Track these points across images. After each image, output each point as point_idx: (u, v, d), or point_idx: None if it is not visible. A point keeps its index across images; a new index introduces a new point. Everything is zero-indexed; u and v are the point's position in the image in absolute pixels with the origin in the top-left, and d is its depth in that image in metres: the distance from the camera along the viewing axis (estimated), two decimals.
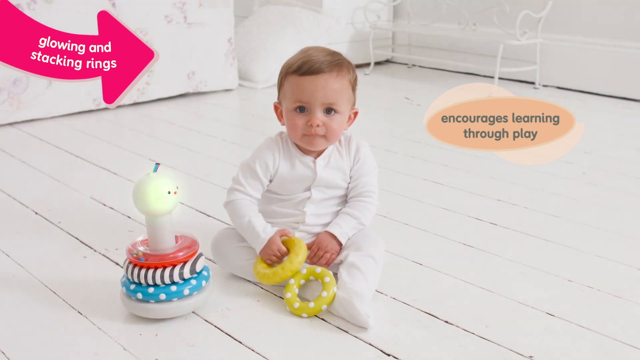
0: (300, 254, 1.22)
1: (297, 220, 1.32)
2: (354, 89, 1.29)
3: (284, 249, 1.24)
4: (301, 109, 1.25)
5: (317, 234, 1.31)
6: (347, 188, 1.34)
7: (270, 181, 1.31)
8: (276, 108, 1.35)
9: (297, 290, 1.21)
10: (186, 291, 1.15)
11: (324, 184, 1.31)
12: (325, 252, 1.26)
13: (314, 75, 1.22)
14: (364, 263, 1.22)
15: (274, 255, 1.24)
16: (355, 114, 1.32)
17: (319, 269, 1.21)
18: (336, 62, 1.25)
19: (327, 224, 1.31)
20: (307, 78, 1.23)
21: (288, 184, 1.31)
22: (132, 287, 1.15)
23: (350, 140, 1.33)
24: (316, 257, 1.26)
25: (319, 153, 1.31)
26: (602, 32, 3.02)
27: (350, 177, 1.33)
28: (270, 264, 1.25)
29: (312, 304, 1.16)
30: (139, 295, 1.14)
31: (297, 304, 1.17)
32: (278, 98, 1.33)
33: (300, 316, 1.17)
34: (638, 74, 2.91)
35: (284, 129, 1.33)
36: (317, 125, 1.23)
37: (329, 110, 1.25)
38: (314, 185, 1.30)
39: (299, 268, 1.21)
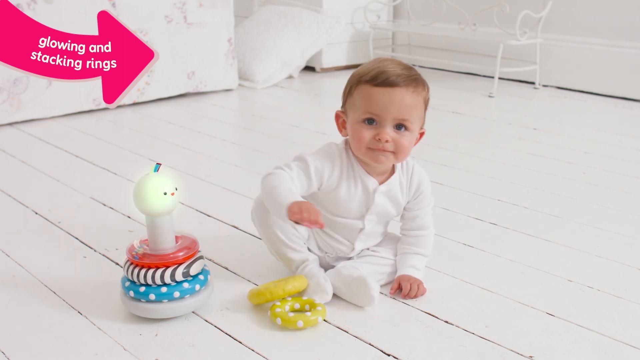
0: (298, 281, 1.20)
1: (344, 251, 1.30)
2: (426, 108, 1.22)
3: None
4: (370, 121, 1.17)
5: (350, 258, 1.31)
6: (398, 214, 1.30)
7: (318, 189, 1.23)
8: (338, 117, 1.26)
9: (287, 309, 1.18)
10: (176, 294, 1.14)
11: (377, 211, 1.26)
12: (416, 284, 1.23)
13: (389, 87, 1.15)
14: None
15: (307, 210, 1.08)
16: (422, 134, 1.24)
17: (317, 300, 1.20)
18: (413, 77, 1.17)
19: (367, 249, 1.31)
20: (382, 90, 1.15)
21: (343, 203, 1.24)
22: (127, 284, 1.16)
23: (412, 173, 1.27)
24: (412, 292, 1.23)
25: (384, 179, 1.25)
26: (602, 32, 3.02)
27: (406, 208, 1.29)
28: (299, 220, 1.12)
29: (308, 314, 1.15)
30: (131, 293, 1.15)
31: (291, 314, 1.15)
32: (342, 107, 1.25)
33: (296, 326, 1.14)
34: (638, 74, 2.91)
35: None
36: (386, 141, 1.16)
37: (399, 126, 1.17)
38: (368, 213, 1.25)
39: (291, 292, 1.18)
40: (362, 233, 1.27)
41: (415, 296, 1.23)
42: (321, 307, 1.17)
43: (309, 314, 1.15)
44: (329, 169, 1.21)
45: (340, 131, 1.26)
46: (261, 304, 1.21)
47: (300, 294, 1.22)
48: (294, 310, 1.19)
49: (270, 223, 1.27)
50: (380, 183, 1.24)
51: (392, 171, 1.25)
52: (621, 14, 2.96)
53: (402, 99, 1.15)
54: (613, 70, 2.99)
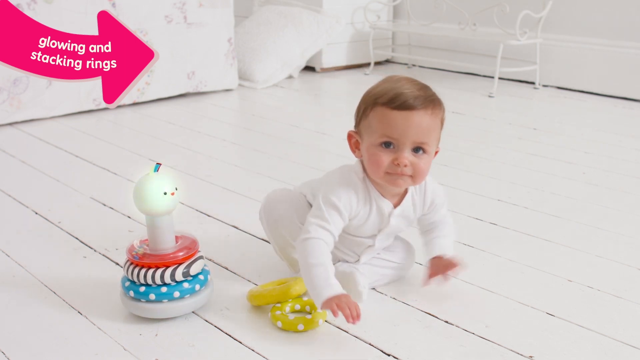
0: (299, 285, 1.19)
1: (349, 261, 1.28)
2: (442, 127, 1.18)
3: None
4: (387, 145, 1.12)
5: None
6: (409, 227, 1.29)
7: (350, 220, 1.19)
8: (350, 137, 1.20)
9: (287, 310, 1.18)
10: (176, 294, 1.14)
11: (389, 231, 1.24)
12: (451, 263, 1.22)
13: (407, 110, 1.10)
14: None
15: (347, 304, 1.06)
16: (436, 152, 1.20)
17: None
18: (431, 99, 1.13)
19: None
20: (400, 113, 1.11)
21: (356, 226, 1.21)
22: (127, 284, 1.16)
23: (425, 190, 1.24)
24: (451, 265, 1.22)
25: (399, 201, 1.21)
26: (602, 32, 3.02)
27: (420, 219, 1.28)
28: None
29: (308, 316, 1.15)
30: (131, 293, 1.15)
31: (292, 316, 1.16)
32: (356, 127, 1.19)
33: (297, 329, 1.13)
34: (638, 74, 2.91)
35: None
36: (405, 165, 1.12)
37: (417, 149, 1.13)
38: (380, 233, 1.23)
39: (292, 296, 1.18)
40: (370, 248, 1.26)
41: (456, 272, 1.23)
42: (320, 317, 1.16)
43: (309, 315, 1.14)
44: (355, 201, 1.17)
45: (354, 152, 1.20)
46: (261, 305, 1.21)
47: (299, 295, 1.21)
48: (294, 312, 1.19)
49: (278, 224, 1.27)
50: (395, 205, 1.21)
51: (405, 191, 1.22)
52: (621, 14, 2.96)
53: (420, 122, 1.11)
54: (613, 70, 2.99)
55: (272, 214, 1.27)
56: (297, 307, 1.19)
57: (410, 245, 1.34)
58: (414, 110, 1.10)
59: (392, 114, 1.11)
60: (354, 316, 1.05)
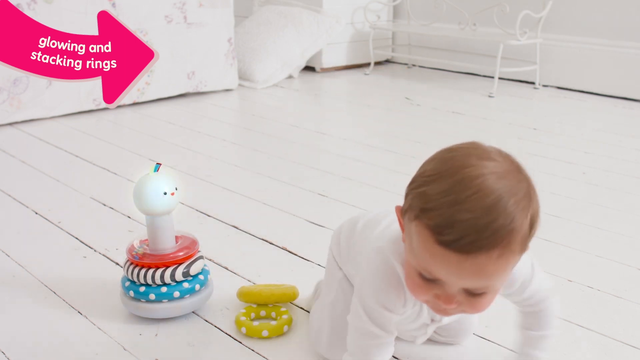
0: (290, 290, 1.19)
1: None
2: (532, 234, 0.77)
3: None
4: (429, 279, 0.79)
5: None
6: None
7: None
8: (398, 210, 0.83)
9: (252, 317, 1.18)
10: (176, 294, 1.14)
11: (444, 326, 1.03)
12: None
13: (464, 254, 0.72)
14: None
15: None
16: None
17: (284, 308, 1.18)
18: (507, 232, 0.72)
19: None
20: (453, 255, 0.73)
21: (400, 325, 0.94)
22: (127, 284, 1.16)
23: (512, 282, 0.89)
24: None
25: None
26: (602, 32, 3.02)
27: (505, 296, 0.94)
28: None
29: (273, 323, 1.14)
30: (131, 293, 1.15)
31: (256, 322, 1.15)
32: (402, 213, 0.81)
33: (261, 335, 1.12)
34: (638, 74, 2.91)
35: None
36: (452, 306, 0.79)
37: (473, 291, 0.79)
38: (433, 324, 0.96)
39: (280, 299, 1.18)
40: (423, 335, 1.00)
41: None
42: (287, 315, 1.15)
43: (274, 322, 1.13)
44: (402, 300, 0.87)
45: (402, 230, 0.84)
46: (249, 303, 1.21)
47: (269, 300, 1.19)
48: (259, 318, 1.17)
49: None
50: None
51: None
52: (621, 14, 2.96)
53: (479, 268, 0.74)
54: (613, 70, 2.99)
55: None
56: (263, 313, 1.17)
57: (468, 321, 1.09)
58: (475, 254, 0.72)
59: (439, 250, 0.74)
60: None
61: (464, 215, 0.72)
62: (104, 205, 1.72)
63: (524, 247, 0.76)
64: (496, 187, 0.73)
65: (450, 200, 0.73)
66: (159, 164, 1.13)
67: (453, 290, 0.78)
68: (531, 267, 0.91)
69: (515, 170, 0.79)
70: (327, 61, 3.57)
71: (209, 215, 1.65)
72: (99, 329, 1.15)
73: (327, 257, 1.11)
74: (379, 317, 0.87)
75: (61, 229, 1.57)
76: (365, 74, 3.52)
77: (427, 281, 0.79)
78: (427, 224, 0.74)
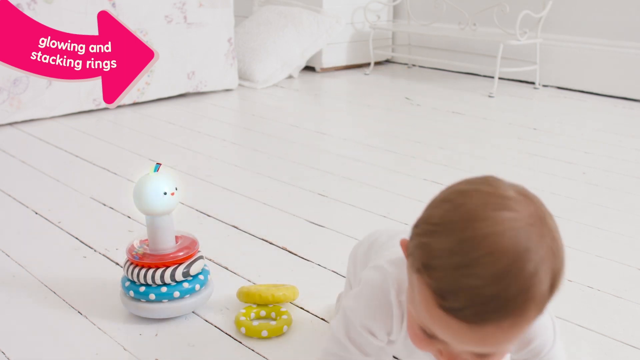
0: (290, 291, 1.19)
1: None
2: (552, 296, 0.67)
3: None
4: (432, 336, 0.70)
5: None
6: None
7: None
8: (403, 245, 0.73)
9: (252, 316, 1.18)
10: (176, 294, 1.14)
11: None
12: None
13: (468, 324, 0.63)
14: None
15: None
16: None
17: (283, 308, 1.17)
18: (521, 302, 0.62)
19: None
20: (457, 323, 0.64)
21: (400, 351, 0.87)
22: (127, 284, 1.16)
23: (527, 342, 0.80)
24: None
25: None
26: (602, 32, 3.02)
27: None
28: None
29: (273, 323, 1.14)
30: (131, 293, 1.15)
31: (256, 322, 1.15)
32: (407, 250, 0.70)
33: (260, 335, 1.12)
34: (638, 74, 2.91)
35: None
36: None
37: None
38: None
39: (280, 299, 1.18)
40: None
41: None
42: (287, 315, 1.15)
43: (274, 322, 1.13)
44: (388, 328, 0.81)
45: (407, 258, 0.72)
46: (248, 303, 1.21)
47: (269, 301, 1.19)
48: (259, 318, 1.17)
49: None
50: None
51: None
52: (621, 14, 2.96)
53: (487, 338, 0.64)
54: (613, 70, 2.99)
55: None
56: (263, 313, 1.17)
57: None
58: (476, 325, 0.63)
59: (441, 314, 0.65)
60: None
61: (470, 282, 0.62)
62: (104, 205, 1.72)
63: (541, 310, 0.66)
64: (511, 249, 0.62)
65: (456, 261, 0.62)
66: (159, 164, 1.13)
67: (457, 350, 0.68)
68: (553, 331, 0.81)
69: (538, 222, 0.68)
70: (327, 61, 3.57)
71: (208, 215, 1.65)
72: (99, 329, 1.15)
73: (347, 269, 1.08)
74: (357, 337, 0.81)
75: (61, 229, 1.58)
76: (365, 74, 3.52)
77: (429, 336, 0.70)
78: (429, 283, 0.64)
